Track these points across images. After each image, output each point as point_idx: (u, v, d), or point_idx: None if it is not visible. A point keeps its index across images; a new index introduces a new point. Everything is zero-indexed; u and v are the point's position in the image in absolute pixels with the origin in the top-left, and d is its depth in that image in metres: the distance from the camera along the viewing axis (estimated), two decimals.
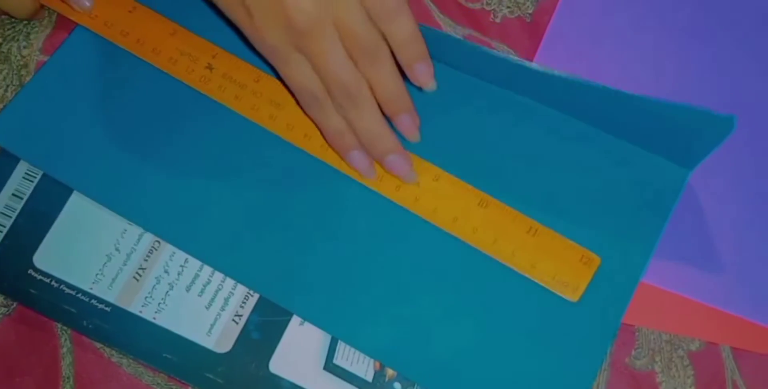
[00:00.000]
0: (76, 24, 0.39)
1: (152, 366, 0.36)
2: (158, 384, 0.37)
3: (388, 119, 0.35)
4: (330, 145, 0.36)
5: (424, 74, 0.34)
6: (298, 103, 0.36)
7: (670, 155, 0.36)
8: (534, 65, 0.35)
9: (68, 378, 0.37)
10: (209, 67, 0.38)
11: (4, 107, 0.39)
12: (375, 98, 0.34)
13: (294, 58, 0.33)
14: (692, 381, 0.36)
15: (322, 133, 0.36)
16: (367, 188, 0.37)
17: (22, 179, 0.38)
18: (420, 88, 0.34)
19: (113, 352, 0.37)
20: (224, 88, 0.38)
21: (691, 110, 0.32)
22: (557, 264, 0.35)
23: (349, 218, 0.37)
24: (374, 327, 0.35)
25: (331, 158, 0.37)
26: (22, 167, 0.38)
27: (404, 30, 0.33)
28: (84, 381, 0.37)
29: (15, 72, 0.40)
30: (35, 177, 0.38)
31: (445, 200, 0.36)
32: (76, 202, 0.38)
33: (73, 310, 0.37)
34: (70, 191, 0.38)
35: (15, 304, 0.38)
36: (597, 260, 0.35)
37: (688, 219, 0.37)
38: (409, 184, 0.36)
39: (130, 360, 0.37)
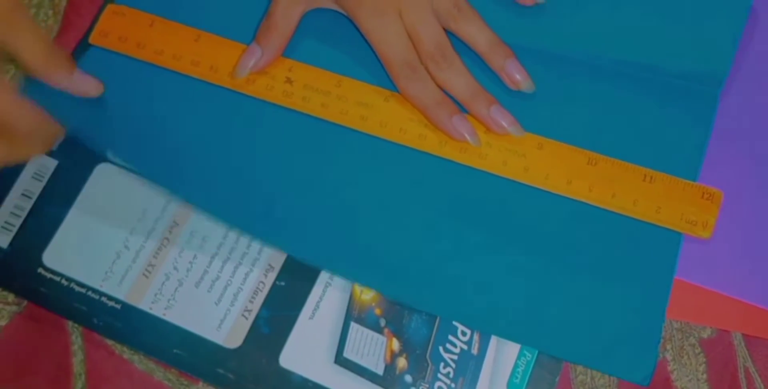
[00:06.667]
0: (87, 28, 0.40)
1: (163, 361, 0.36)
2: (169, 379, 0.37)
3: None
4: (430, 118, 0.37)
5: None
6: (392, 79, 0.37)
7: (698, 78, 0.37)
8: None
9: (80, 374, 0.37)
10: (289, 81, 0.38)
11: None
12: (477, 50, 0.37)
13: (392, 19, 0.36)
14: (704, 369, 0.36)
15: (420, 108, 0.37)
16: (471, 168, 0.37)
17: (31, 179, 0.38)
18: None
19: (124, 349, 0.37)
20: (308, 99, 0.38)
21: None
22: (681, 205, 0.35)
23: (462, 202, 0.37)
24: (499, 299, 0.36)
25: (427, 145, 0.37)
26: (30, 168, 0.38)
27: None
28: (95, 378, 0.37)
29: (22, 71, 0.40)
30: (44, 177, 0.38)
31: (554, 166, 0.36)
32: (85, 201, 0.38)
33: (83, 308, 0.37)
34: (78, 190, 0.38)
35: (26, 302, 0.38)
36: (719, 194, 0.35)
37: None
38: (519, 136, 0.36)
39: (142, 357, 0.37)
